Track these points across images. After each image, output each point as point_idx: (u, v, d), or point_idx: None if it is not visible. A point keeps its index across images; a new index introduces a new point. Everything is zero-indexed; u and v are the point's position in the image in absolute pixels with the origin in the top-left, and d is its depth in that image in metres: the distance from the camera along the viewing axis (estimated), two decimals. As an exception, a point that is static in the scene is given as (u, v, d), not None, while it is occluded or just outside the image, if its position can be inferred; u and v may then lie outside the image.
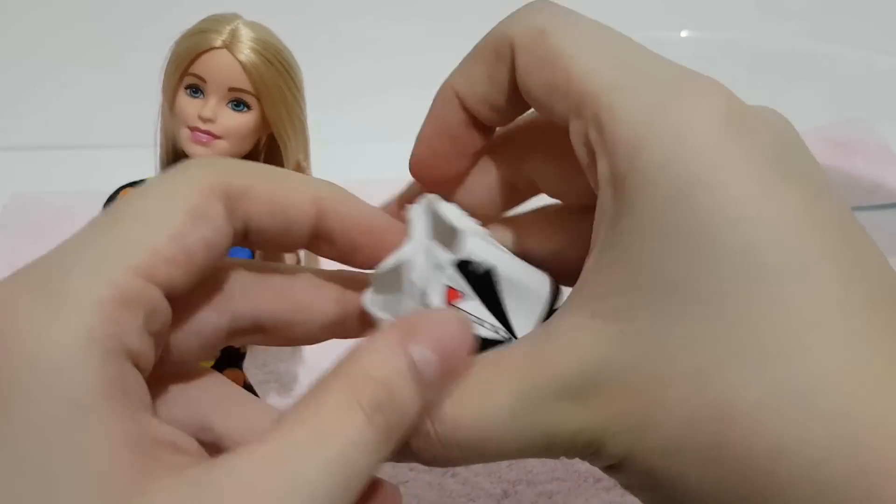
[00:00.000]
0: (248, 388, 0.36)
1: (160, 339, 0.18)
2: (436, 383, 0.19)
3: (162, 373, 0.19)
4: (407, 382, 0.18)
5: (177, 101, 0.33)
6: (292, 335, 0.22)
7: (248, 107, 0.33)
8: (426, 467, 0.36)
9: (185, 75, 0.33)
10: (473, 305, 0.22)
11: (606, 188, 0.19)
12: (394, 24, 0.67)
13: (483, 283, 0.22)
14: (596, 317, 0.19)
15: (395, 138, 0.62)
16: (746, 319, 0.17)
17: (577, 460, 0.36)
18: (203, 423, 0.21)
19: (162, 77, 0.34)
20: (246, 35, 0.32)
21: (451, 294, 0.22)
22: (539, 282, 0.23)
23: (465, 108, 0.22)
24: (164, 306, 0.18)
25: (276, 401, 0.40)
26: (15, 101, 0.67)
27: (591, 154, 0.19)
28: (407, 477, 0.36)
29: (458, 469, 0.36)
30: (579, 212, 0.22)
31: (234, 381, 0.35)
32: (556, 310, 0.22)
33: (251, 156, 0.35)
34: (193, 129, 0.33)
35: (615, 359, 0.19)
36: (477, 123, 0.23)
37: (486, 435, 0.19)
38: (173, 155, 0.36)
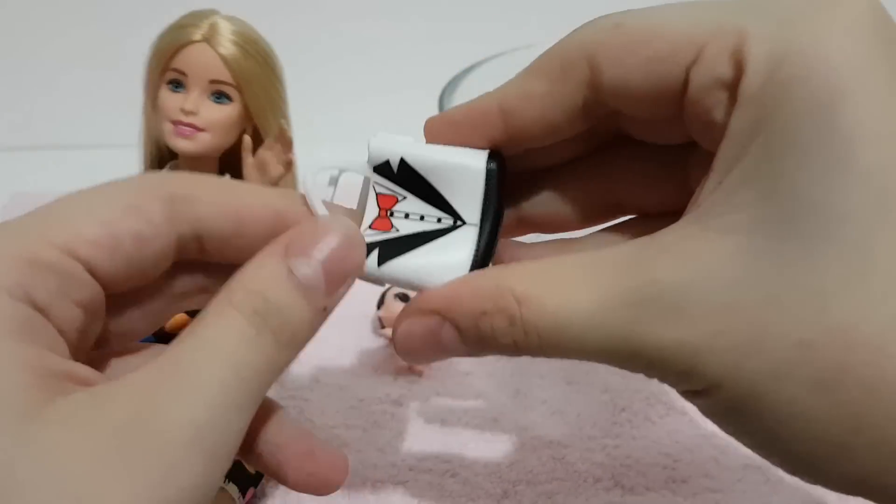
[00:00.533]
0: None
1: (91, 312, 0.20)
2: (321, 289, 0.20)
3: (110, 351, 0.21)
4: (285, 288, 0.19)
5: (159, 96, 0.33)
6: (234, 250, 0.22)
7: (230, 98, 0.33)
8: (426, 467, 0.36)
9: (166, 70, 0.33)
10: (411, 203, 0.22)
11: (743, 109, 0.19)
12: (394, 24, 0.67)
13: (409, 177, 0.22)
14: (710, 230, 0.19)
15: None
16: (876, 244, 0.17)
17: (577, 461, 0.36)
18: None
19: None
20: (225, 28, 0.33)
21: (384, 200, 0.23)
22: (470, 155, 0.22)
23: (507, 125, 0.22)
24: (87, 280, 0.19)
25: (275, 399, 0.40)
26: (15, 101, 0.67)
27: (720, 92, 0.19)
28: (407, 477, 0.36)
29: (458, 469, 0.36)
30: (656, 219, 0.23)
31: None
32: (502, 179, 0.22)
33: (234, 148, 0.35)
34: (176, 122, 0.33)
35: (727, 274, 0.18)
36: (508, 137, 0.23)
37: (566, 326, 0.19)
38: (157, 152, 0.36)
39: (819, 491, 0.35)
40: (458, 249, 0.22)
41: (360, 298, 0.45)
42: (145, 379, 0.18)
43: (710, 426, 0.38)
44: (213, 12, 0.33)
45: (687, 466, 0.36)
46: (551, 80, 0.22)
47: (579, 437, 0.38)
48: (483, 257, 0.22)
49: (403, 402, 0.40)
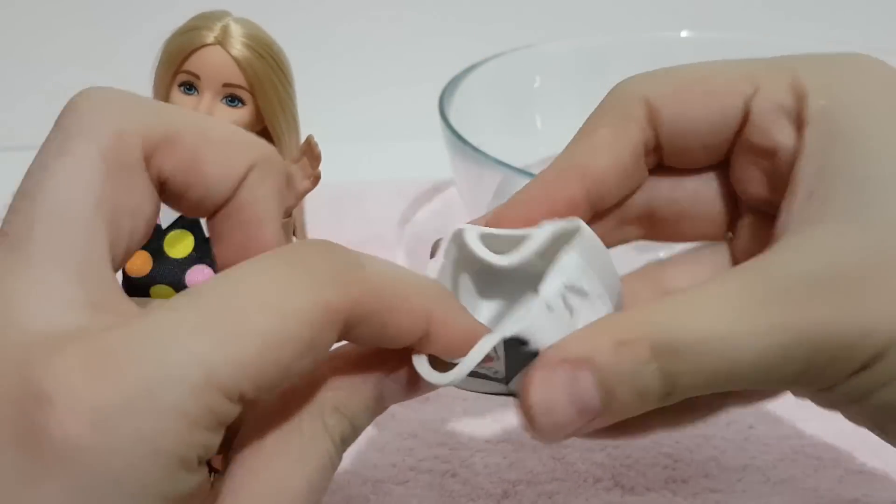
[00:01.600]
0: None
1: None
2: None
3: None
4: (368, 417, 0.21)
5: (170, 99, 0.33)
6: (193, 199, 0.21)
7: (243, 102, 0.33)
8: (426, 467, 0.36)
9: (178, 73, 0.33)
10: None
11: (814, 127, 0.21)
12: (394, 24, 0.67)
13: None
14: (828, 222, 0.20)
15: (395, 138, 0.62)
16: None
17: (577, 461, 0.36)
18: None
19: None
20: (237, 31, 0.33)
21: None
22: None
23: (584, 181, 0.23)
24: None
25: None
26: (15, 101, 0.67)
27: (782, 118, 0.22)
28: (407, 477, 0.36)
29: (458, 469, 0.36)
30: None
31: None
32: None
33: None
34: None
35: (871, 249, 0.19)
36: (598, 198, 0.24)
37: (715, 326, 0.19)
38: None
39: (820, 490, 0.35)
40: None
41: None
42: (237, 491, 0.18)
43: (710, 426, 0.38)
44: (224, 14, 0.33)
45: (687, 466, 0.36)
46: (614, 126, 0.23)
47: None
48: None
49: (404, 402, 0.40)
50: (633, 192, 0.24)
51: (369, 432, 0.38)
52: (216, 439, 0.17)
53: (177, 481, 0.16)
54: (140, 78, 0.34)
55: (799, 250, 0.20)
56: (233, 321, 0.16)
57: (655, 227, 0.26)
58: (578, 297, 0.21)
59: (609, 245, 0.24)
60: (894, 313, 0.19)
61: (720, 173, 0.25)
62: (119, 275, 0.34)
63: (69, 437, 0.15)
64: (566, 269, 0.20)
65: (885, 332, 0.19)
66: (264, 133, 0.35)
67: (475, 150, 0.40)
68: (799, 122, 0.22)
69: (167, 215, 0.34)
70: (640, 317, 0.20)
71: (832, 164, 0.21)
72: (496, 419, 0.39)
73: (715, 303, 0.19)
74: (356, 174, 0.59)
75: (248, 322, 0.17)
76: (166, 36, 0.33)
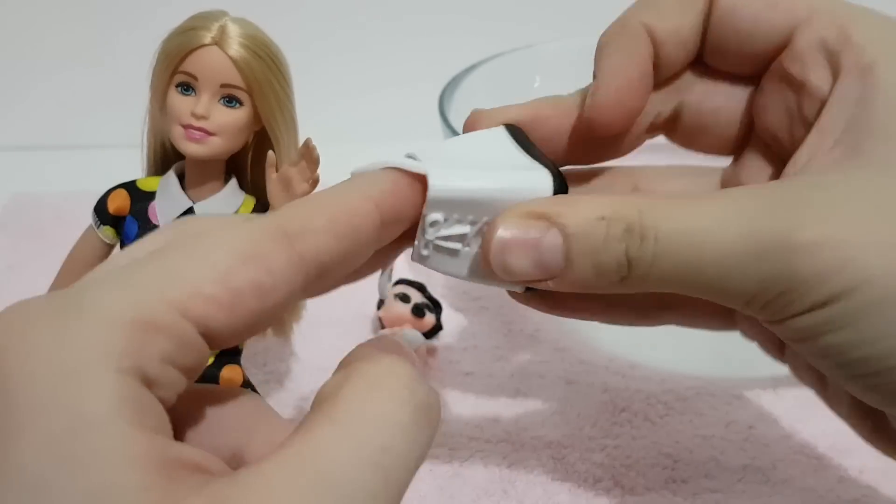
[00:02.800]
0: (248, 384, 0.36)
1: (190, 374, 0.17)
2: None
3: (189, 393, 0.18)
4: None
5: (168, 99, 0.33)
6: (349, 266, 0.20)
7: (241, 103, 0.33)
8: (426, 467, 0.36)
9: (175, 73, 0.33)
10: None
11: (856, 78, 0.22)
12: (394, 24, 0.67)
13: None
14: (855, 169, 0.20)
15: (395, 138, 0.62)
16: None
17: (577, 461, 0.36)
18: (235, 450, 0.19)
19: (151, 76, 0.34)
20: (234, 31, 0.32)
21: None
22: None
23: (654, 43, 0.24)
24: (198, 343, 0.17)
25: (275, 400, 0.40)
26: (15, 101, 0.67)
27: (819, 55, 0.23)
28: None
29: (459, 469, 0.36)
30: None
31: (232, 378, 0.35)
32: None
33: (241, 152, 0.35)
34: (187, 126, 0.33)
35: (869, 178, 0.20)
36: (657, 62, 0.24)
37: (691, 229, 0.19)
38: (162, 153, 0.36)
39: (820, 491, 0.35)
40: (528, 178, 0.21)
41: (361, 299, 0.45)
42: (279, 476, 0.16)
43: (710, 426, 0.38)
44: (222, 14, 0.33)
45: (687, 466, 0.36)
46: (684, 2, 0.24)
47: (579, 437, 0.38)
48: (562, 181, 0.21)
49: (403, 402, 0.40)
50: (682, 69, 0.25)
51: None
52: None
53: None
54: (138, 78, 0.34)
55: (810, 188, 0.20)
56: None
57: (674, 132, 0.26)
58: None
59: (637, 141, 0.26)
60: (875, 265, 0.19)
61: (745, 98, 0.25)
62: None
63: None
64: None
65: (852, 276, 0.19)
66: (262, 133, 0.35)
67: (475, 149, 0.40)
68: (835, 68, 0.22)
69: (167, 215, 0.34)
70: (624, 201, 0.20)
71: (867, 117, 0.21)
72: (496, 419, 0.39)
73: (700, 207, 0.20)
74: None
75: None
76: (164, 36, 0.33)
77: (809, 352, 0.21)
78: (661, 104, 0.26)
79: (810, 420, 0.38)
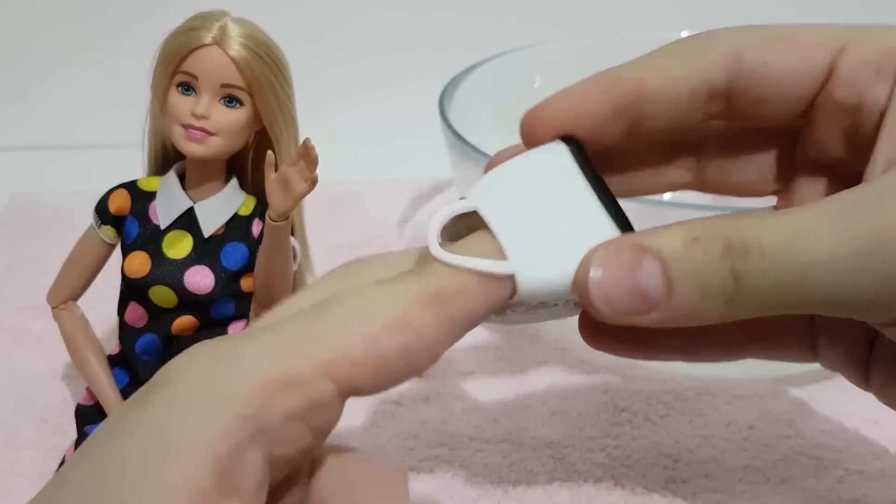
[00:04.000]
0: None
1: (319, 433, 0.18)
2: None
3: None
4: None
5: (168, 99, 0.33)
6: None
7: (241, 103, 0.33)
8: (426, 467, 0.36)
9: (175, 73, 0.33)
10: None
11: None
12: (394, 24, 0.67)
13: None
14: None
15: (395, 138, 0.62)
16: None
17: (577, 461, 0.36)
18: None
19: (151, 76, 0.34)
20: (235, 31, 0.32)
21: None
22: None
23: (637, 95, 0.23)
24: (333, 403, 0.18)
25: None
26: (15, 101, 0.67)
27: (870, 73, 0.22)
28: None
29: (458, 469, 0.36)
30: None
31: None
32: None
33: (241, 152, 0.35)
34: (187, 126, 0.33)
35: None
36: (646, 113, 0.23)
37: (797, 236, 0.19)
38: (163, 153, 0.36)
39: (820, 491, 0.35)
40: (585, 222, 0.20)
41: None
42: None
43: (710, 426, 0.38)
44: (222, 14, 0.33)
45: (687, 466, 0.36)
46: (686, 55, 0.23)
47: (579, 437, 0.38)
48: (627, 223, 0.20)
49: (403, 403, 0.40)
50: (682, 128, 0.24)
51: (370, 432, 0.38)
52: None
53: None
54: (138, 78, 0.34)
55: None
56: None
57: (704, 173, 0.26)
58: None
59: (656, 189, 0.25)
60: None
61: (780, 142, 0.25)
62: (118, 276, 0.34)
63: None
64: None
65: None
66: (263, 133, 0.34)
67: (475, 150, 0.40)
68: (887, 79, 0.22)
69: (167, 215, 0.34)
70: (714, 221, 0.20)
71: None
72: (496, 419, 0.39)
73: (797, 215, 0.19)
74: (356, 174, 0.59)
75: None
76: (164, 36, 0.33)
77: None
78: (680, 166, 0.25)
79: (810, 420, 0.38)
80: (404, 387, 0.41)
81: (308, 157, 0.32)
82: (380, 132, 0.64)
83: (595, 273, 0.19)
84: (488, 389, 0.41)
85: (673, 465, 0.36)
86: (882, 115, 0.22)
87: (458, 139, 0.41)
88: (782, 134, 0.25)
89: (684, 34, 0.56)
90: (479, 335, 0.45)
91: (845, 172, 0.24)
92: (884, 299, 0.19)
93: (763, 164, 0.26)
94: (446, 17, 0.67)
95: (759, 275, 0.19)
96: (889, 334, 0.20)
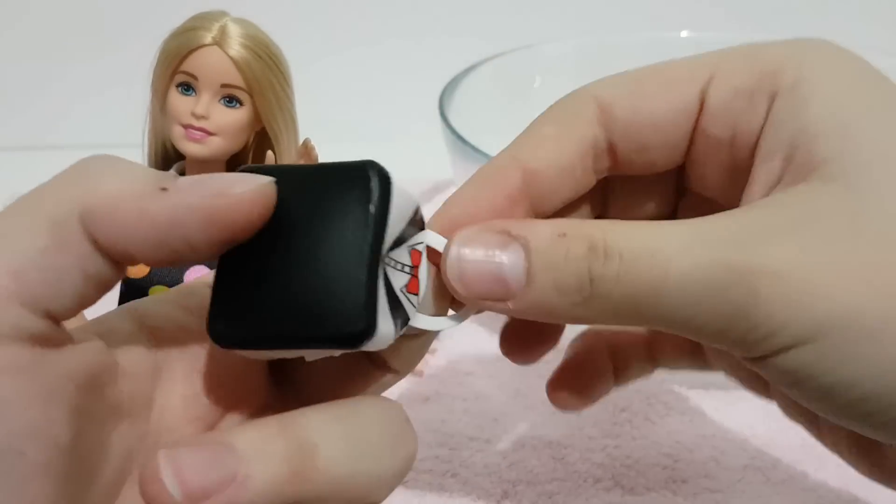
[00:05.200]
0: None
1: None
2: None
3: None
4: None
5: (168, 99, 0.33)
6: None
7: (241, 103, 0.33)
8: (426, 467, 0.36)
9: (176, 73, 0.33)
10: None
11: (784, 99, 0.21)
12: (394, 24, 0.67)
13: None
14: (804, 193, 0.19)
15: (395, 138, 0.62)
16: None
17: (577, 461, 0.36)
18: None
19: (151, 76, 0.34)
20: (235, 31, 0.33)
21: (414, 256, 0.20)
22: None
23: (524, 175, 0.22)
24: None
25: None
26: (15, 101, 0.67)
27: (742, 101, 0.21)
28: (407, 477, 0.36)
29: (458, 469, 0.36)
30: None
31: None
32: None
33: (241, 152, 0.35)
34: (187, 126, 0.33)
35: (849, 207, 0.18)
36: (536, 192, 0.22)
37: (656, 247, 0.18)
38: (163, 152, 0.36)
39: (820, 491, 0.35)
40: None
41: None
42: None
43: (710, 426, 0.38)
44: (222, 14, 0.33)
45: (687, 466, 0.36)
46: (561, 122, 0.22)
47: (579, 437, 0.38)
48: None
49: (403, 402, 0.40)
50: (579, 196, 0.23)
51: (369, 432, 0.38)
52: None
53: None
54: (138, 78, 0.34)
55: (768, 206, 0.19)
56: None
57: (608, 215, 0.25)
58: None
59: None
60: (855, 292, 0.18)
61: (666, 180, 0.24)
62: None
63: None
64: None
65: (831, 307, 0.18)
66: (263, 133, 0.35)
67: (475, 150, 0.40)
68: (759, 104, 0.21)
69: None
70: (586, 221, 0.20)
71: (808, 128, 0.20)
72: (496, 419, 0.39)
73: (665, 228, 0.19)
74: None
75: None
76: (164, 36, 0.34)
77: (799, 395, 0.19)
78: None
79: (810, 420, 0.38)
80: (404, 387, 0.41)
81: (308, 157, 0.32)
82: (380, 132, 0.64)
83: (455, 249, 0.19)
84: (488, 389, 0.41)
85: (673, 465, 0.36)
86: (757, 141, 0.21)
87: (458, 139, 0.41)
88: (674, 171, 0.24)
89: (684, 34, 0.56)
90: (479, 335, 0.45)
91: (730, 205, 0.22)
92: (732, 334, 0.19)
93: (661, 201, 0.25)
94: (446, 16, 0.67)
95: (613, 280, 0.18)
96: (749, 365, 0.19)
